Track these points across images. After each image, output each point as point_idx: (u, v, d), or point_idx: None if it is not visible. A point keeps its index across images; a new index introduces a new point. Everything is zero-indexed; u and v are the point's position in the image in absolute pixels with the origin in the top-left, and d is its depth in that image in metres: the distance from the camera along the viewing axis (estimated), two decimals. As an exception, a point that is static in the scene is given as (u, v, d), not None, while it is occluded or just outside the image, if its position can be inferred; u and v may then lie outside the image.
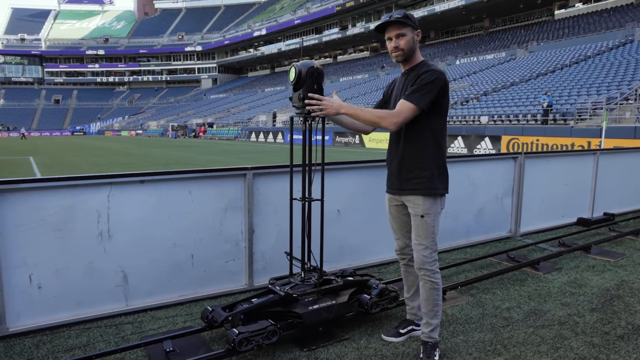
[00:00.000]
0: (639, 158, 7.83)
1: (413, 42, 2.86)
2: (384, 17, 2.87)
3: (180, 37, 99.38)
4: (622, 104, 20.82)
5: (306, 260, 3.34)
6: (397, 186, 2.98)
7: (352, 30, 65.54)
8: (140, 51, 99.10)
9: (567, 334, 3.32)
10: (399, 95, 2.90)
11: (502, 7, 49.29)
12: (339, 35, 67.83)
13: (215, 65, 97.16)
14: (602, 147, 14.76)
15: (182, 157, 21.34)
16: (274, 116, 50.32)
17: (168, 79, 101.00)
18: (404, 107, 2.74)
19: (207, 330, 3.16)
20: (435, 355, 2.88)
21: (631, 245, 5.75)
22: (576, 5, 45.67)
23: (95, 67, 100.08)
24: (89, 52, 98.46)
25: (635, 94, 20.99)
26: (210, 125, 57.38)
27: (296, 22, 73.57)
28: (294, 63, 3.07)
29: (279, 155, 22.26)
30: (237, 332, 2.80)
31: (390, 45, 2.87)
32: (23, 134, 60.21)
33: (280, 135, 40.81)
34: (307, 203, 3.24)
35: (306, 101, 2.84)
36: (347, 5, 63.16)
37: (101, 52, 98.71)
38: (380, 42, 69.20)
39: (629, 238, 6.05)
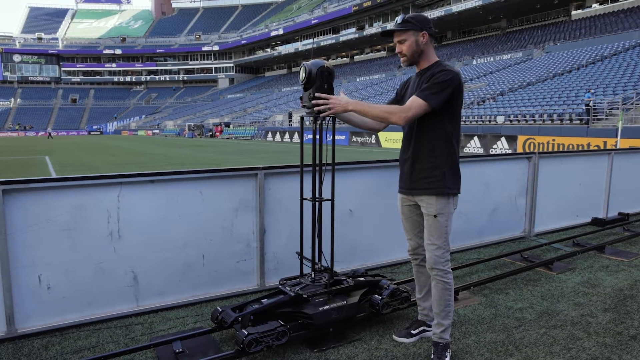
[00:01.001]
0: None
1: (416, 45, 2.84)
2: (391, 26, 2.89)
3: (197, 36, 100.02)
4: (637, 104, 20.55)
5: (317, 261, 3.34)
6: (410, 186, 2.97)
7: (369, 30, 65.36)
8: (158, 51, 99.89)
9: (580, 334, 3.29)
10: (408, 95, 2.90)
11: (519, 7, 48.88)
12: (356, 35, 67.72)
13: (232, 64, 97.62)
14: (617, 147, 14.57)
15: (198, 156, 21.49)
16: (290, 116, 50.37)
17: (185, 78, 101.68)
18: (414, 103, 2.73)
19: (217, 331, 3.17)
20: (446, 357, 2.86)
21: (647, 245, 5.66)
22: (593, 5, 45.27)
23: (113, 67, 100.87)
24: (106, 51, 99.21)
25: (651, 95, 20.72)
26: (227, 125, 57.64)
27: (313, 22, 73.58)
28: (304, 62, 3.08)
29: (295, 155, 22.28)
30: (247, 332, 2.80)
31: (397, 50, 2.90)
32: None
33: (296, 135, 40.86)
34: (317, 203, 3.23)
35: (313, 101, 2.85)
36: (364, 5, 63.00)
37: (118, 51, 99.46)
38: (396, 41, 68.75)
39: (644, 238, 5.96)
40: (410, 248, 3.20)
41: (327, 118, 3.15)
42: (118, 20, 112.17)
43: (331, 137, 3.17)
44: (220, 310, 3.11)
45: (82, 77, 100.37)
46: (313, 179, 3.24)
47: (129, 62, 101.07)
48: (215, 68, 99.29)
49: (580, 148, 17.90)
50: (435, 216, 2.85)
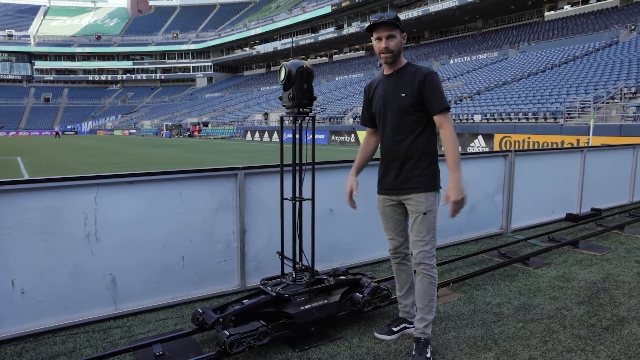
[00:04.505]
0: (623, 155, 7.95)
1: (400, 45, 2.90)
2: (374, 17, 2.88)
3: (174, 35, 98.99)
4: (608, 102, 21.11)
5: (298, 260, 3.35)
6: (397, 186, 2.98)
7: (347, 30, 65.59)
8: (134, 49, 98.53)
9: (556, 327, 3.37)
10: (390, 95, 2.93)
11: (494, 8, 49.66)
12: (335, 35, 67.87)
13: (210, 63, 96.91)
14: (590, 145, 14.93)
15: (177, 156, 21.29)
16: (265, 116, 50.30)
17: (162, 77, 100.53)
18: (447, 118, 2.86)
19: (197, 333, 3.14)
20: (427, 353, 2.89)
21: (616, 239, 5.83)
22: (565, 7, 46.44)
23: (87, 65, 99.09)
24: (81, 49, 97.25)
25: (621, 94, 21.32)
26: (205, 124, 57.21)
27: (292, 21, 73.49)
28: (283, 63, 3.08)
29: (274, 154, 22.25)
30: (228, 333, 2.79)
31: (379, 45, 2.88)
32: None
33: (276, 135, 40.79)
34: (298, 203, 3.24)
35: (453, 214, 2.84)
36: (343, 5, 63.17)
37: (93, 49, 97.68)
38: (374, 40, 69.12)
39: (614, 232, 6.14)
40: (391, 247, 3.22)
41: (307, 117, 3.17)
42: (93, 18, 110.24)
43: (311, 137, 3.17)
44: (201, 311, 3.09)
45: (55, 75, 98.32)
46: (293, 179, 3.25)
47: (105, 61, 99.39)
48: (193, 67, 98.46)
49: (554, 146, 18.24)
50: (425, 213, 2.90)
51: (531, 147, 19.07)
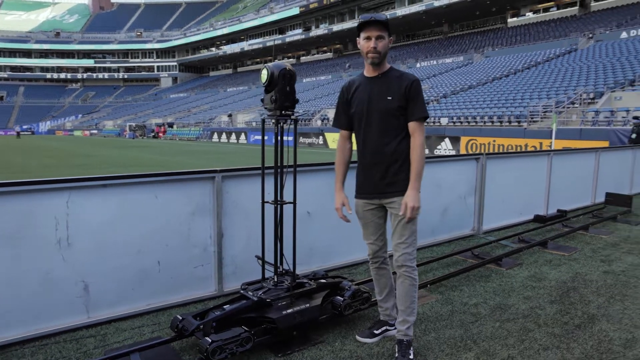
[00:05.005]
0: (586, 158, 8.22)
1: (388, 47, 2.91)
2: (364, 17, 2.86)
3: (138, 33, 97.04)
4: (569, 107, 21.83)
5: (278, 264, 3.31)
6: (380, 189, 2.98)
7: (315, 32, 65.75)
8: (95, 47, 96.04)
9: (531, 326, 3.45)
10: (376, 98, 2.93)
11: (459, 13, 50.74)
12: (303, 36, 67.90)
13: (175, 63, 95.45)
14: (552, 148, 15.36)
15: (142, 158, 20.86)
16: (229, 117, 49.99)
17: (125, 76, 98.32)
18: (421, 127, 2.90)
19: (176, 340, 3.06)
20: (410, 354, 2.90)
21: (582, 239, 6.02)
22: (527, 14, 47.87)
23: (45, 63, 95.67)
24: (38, 46, 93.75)
25: (580, 99, 22.08)
26: (171, 125, 56.27)
27: (259, 21, 73.15)
28: (265, 65, 3.05)
29: (243, 156, 22.09)
30: (210, 340, 2.73)
31: (368, 44, 2.86)
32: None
33: (243, 136, 40.48)
34: (279, 206, 3.21)
35: (405, 220, 2.88)
36: (311, 6, 63.29)
37: (52, 46, 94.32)
38: (342, 43, 69.64)
39: (580, 233, 6.33)
40: (370, 252, 3.21)
41: (289, 120, 3.15)
42: (51, 14, 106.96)
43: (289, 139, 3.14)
44: (181, 318, 3.01)
45: (10, 72, 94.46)
46: (275, 182, 3.21)
47: (64, 59, 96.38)
48: (158, 66, 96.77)
49: (518, 149, 18.71)
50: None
51: (496, 150, 19.51)
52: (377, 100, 2.92)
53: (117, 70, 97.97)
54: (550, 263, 5.00)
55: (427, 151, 22.87)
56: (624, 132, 16.18)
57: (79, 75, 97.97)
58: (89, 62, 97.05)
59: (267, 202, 3.26)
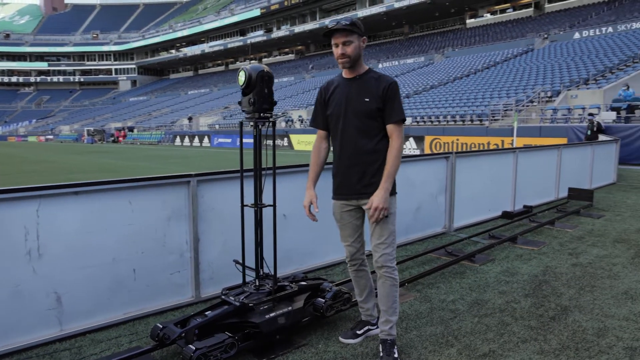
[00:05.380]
0: (549, 155, 8.47)
1: (359, 49, 2.90)
2: (331, 23, 2.88)
3: (94, 35, 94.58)
4: (528, 106, 22.50)
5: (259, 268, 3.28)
6: (358, 191, 2.97)
7: (277, 33, 65.64)
8: (49, 49, 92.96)
9: (508, 320, 3.53)
10: (353, 100, 2.92)
11: (419, 14, 51.63)
12: (264, 38, 67.63)
13: (134, 66, 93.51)
14: (514, 145, 15.79)
15: (104, 163, 20.32)
16: (190, 120, 49.40)
17: (82, 80, 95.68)
18: (399, 129, 2.91)
19: (157, 350, 2.98)
20: (394, 353, 2.92)
21: (549, 234, 6.20)
22: (485, 15, 49.07)
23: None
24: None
25: (539, 97, 22.78)
26: (131, 129, 55.05)
27: (220, 23, 72.48)
28: (243, 67, 3.01)
29: (208, 160, 21.80)
30: (194, 348, 2.68)
31: (337, 51, 2.89)
32: None
33: (206, 139, 39.98)
34: (260, 209, 3.18)
35: (372, 220, 2.88)
36: (272, 8, 63.13)
37: (1, 48, 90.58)
38: (304, 45, 69.74)
39: (547, 228, 6.52)
40: (348, 254, 3.21)
41: (267, 123, 3.12)
42: (0, 15, 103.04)
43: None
44: (161, 326, 2.94)
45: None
46: (256, 185, 3.17)
47: (15, 61, 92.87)
48: (116, 69, 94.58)
49: (481, 147, 19.13)
50: (386, 216, 2.91)
51: (460, 149, 19.88)
52: (355, 101, 2.93)
53: (73, 73, 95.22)
54: (521, 258, 5.13)
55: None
56: (580, 128, 16.78)
57: (32, 79, 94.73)
58: (42, 65, 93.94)
59: (247, 205, 3.22)
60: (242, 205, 3.23)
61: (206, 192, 3.91)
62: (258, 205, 3.17)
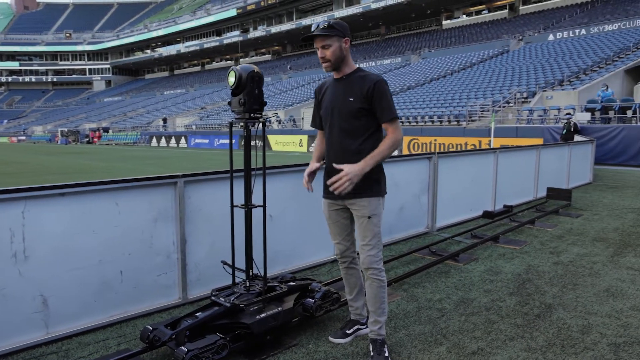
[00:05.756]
0: (528, 155, 8.64)
1: (340, 51, 2.90)
2: (310, 23, 2.89)
3: (67, 35, 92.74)
4: (504, 106, 22.83)
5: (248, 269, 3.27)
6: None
7: (253, 34, 65.35)
8: (20, 49, 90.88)
9: (495, 318, 3.58)
10: (339, 100, 2.94)
11: (396, 15, 52.05)
12: (241, 38, 67.28)
13: (108, 66, 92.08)
14: (492, 146, 16.03)
15: (80, 164, 19.96)
16: (164, 122, 48.96)
17: (55, 80, 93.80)
18: (395, 126, 2.89)
19: (147, 352, 2.96)
20: (385, 352, 2.94)
21: (530, 233, 6.31)
22: (461, 16, 49.70)
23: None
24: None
25: (515, 98, 23.15)
26: (106, 130, 54.21)
27: (196, 23, 71.86)
28: (233, 67, 3.00)
29: (185, 161, 21.61)
30: (186, 349, 2.65)
31: (319, 55, 2.92)
32: None
33: (183, 140, 39.60)
34: (249, 210, 3.17)
35: (332, 188, 2.80)
36: (249, 8, 62.87)
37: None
38: (281, 45, 69.62)
39: (527, 227, 6.64)
40: (338, 252, 3.23)
41: (257, 123, 3.11)
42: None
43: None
44: (152, 328, 2.91)
45: None
46: (246, 185, 3.16)
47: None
48: (90, 69, 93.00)
49: (459, 147, 19.35)
50: (369, 217, 2.93)
51: (438, 150, 20.09)
52: (340, 101, 2.94)
53: (46, 73, 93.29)
54: (503, 257, 5.21)
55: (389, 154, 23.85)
56: (555, 129, 17.11)
57: (3, 79, 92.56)
58: (13, 65, 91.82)
59: (237, 206, 3.21)
60: (232, 206, 3.22)
61: (193, 193, 3.89)
62: (248, 206, 3.16)
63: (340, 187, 2.76)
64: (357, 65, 3.04)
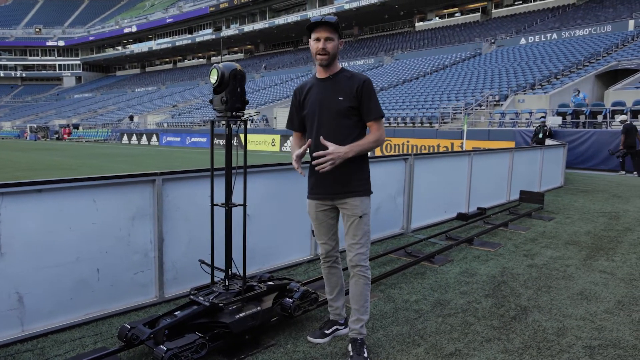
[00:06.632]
0: (501, 158, 8.81)
1: (337, 48, 2.94)
2: (315, 18, 2.89)
3: (37, 30, 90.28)
4: (476, 109, 23.16)
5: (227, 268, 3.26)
6: (335, 190, 3.00)
7: (226, 32, 64.79)
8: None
9: (471, 320, 3.63)
10: (327, 99, 2.96)
11: (369, 17, 52.33)
12: (213, 37, 66.67)
13: (79, 62, 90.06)
14: (464, 148, 16.25)
15: (51, 161, 19.48)
16: (131, 119, 48.29)
17: (24, 75, 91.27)
18: (379, 125, 2.95)
19: (124, 350, 2.92)
20: (364, 352, 2.96)
21: (504, 235, 6.41)
22: (433, 19, 50.26)
23: None
24: None
25: (487, 101, 23.53)
26: (76, 126, 53.05)
27: (168, 20, 70.96)
28: (215, 65, 2.99)
29: (156, 158, 21.32)
30: (165, 348, 2.63)
31: (317, 45, 2.90)
32: None
33: (154, 138, 39.05)
34: (230, 209, 3.16)
35: (314, 162, 2.81)
36: (221, 6, 62.36)
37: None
38: (254, 44, 69.28)
39: (501, 229, 6.75)
40: (323, 252, 3.24)
41: (238, 122, 3.11)
42: None
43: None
44: (130, 327, 2.87)
45: None
46: (227, 184, 3.15)
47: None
48: (60, 65, 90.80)
49: (431, 149, 19.58)
50: (361, 217, 2.96)
51: (410, 151, 20.29)
52: (329, 101, 2.96)
53: (14, 68, 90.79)
54: (478, 259, 5.29)
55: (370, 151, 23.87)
56: (527, 132, 17.45)
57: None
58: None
59: (217, 204, 3.19)
60: (212, 205, 3.21)
61: (171, 191, 3.86)
62: (229, 205, 3.15)
63: (321, 165, 2.80)
64: (341, 66, 3.06)
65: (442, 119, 22.85)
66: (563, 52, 29.05)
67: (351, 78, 2.96)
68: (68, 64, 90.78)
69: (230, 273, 3.29)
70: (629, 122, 15.18)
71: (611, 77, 23.41)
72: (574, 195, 10.13)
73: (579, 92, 19.55)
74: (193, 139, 34.83)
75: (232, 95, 2.97)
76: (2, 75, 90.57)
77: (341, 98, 2.92)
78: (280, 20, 57.74)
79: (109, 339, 3.20)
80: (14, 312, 3.11)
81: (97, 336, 3.25)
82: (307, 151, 3.10)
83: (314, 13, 52.65)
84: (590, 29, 32.35)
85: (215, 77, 2.95)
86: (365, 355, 2.96)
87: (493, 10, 46.62)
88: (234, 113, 3.02)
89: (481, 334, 3.39)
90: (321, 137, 2.89)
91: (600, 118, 18.08)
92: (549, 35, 34.27)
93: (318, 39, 2.89)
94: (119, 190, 3.58)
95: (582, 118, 18.49)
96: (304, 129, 3.13)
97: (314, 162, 2.85)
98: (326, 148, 2.87)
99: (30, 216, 3.13)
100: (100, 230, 3.47)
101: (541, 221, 7.36)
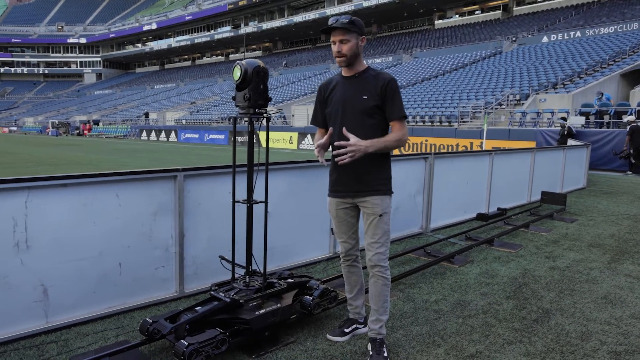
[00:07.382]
0: (523, 158, 8.67)
1: (357, 48, 2.92)
2: (331, 21, 2.89)
3: (59, 27, 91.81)
4: (497, 108, 22.87)
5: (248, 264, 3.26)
6: (357, 188, 2.99)
7: (244, 29, 65.08)
8: (13, 40, 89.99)
9: (492, 322, 3.57)
10: (352, 98, 2.94)
11: (388, 14, 52.02)
12: (232, 34, 67.03)
13: (99, 59, 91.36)
14: (483, 148, 16.06)
15: (72, 156, 19.79)
16: (146, 116, 48.78)
17: (46, 72, 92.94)
18: (402, 125, 2.92)
19: (145, 344, 2.95)
20: (384, 352, 2.94)
21: (525, 237, 6.32)
22: (453, 16, 49.74)
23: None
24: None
25: (507, 100, 23.21)
26: (96, 122, 53.85)
27: (187, 18, 71.50)
28: (238, 62, 3.00)
29: (174, 154, 21.50)
30: (187, 343, 2.65)
31: (334, 49, 2.91)
32: None
33: (173, 134, 39.41)
34: (251, 205, 3.16)
35: (334, 152, 2.79)
36: (240, 4, 62.63)
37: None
38: (272, 42, 69.46)
39: (522, 230, 6.65)
40: (343, 250, 3.23)
41: (261, 118, 3.11)
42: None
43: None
44: (151, 321, 2.90)
45: None
46: (249, 181, 3.16)
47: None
48: (81, 62, 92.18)
49: (450, 148, 19.42)
50: (381, 215, 2.94)
51: (429, 150, 20.15)
52: (353, 99, 2.95)
53: (37, 64, 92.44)
54: (499, 260, 5.22)
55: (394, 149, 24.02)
56: (549, 132, 17.14)
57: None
58: (6, 56, 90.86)
59: (238, 201, 3.20)
60: (234, 202, 3.21)
61: (193, 187, 3.88)
62: (250, 202, 3.16)
63: (341, 157, 2.76)
64: (367, 65, 3.04)
65: (462, 118, 22.64)
66: (587, 50, 28.46)
67: (376, 77, 2.95)
68: (89, 61, 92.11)
69: (250, 270, 3.30)
70: (635, 123, 14.90)
71: (637, 77, 22.89)
72: (597, 197, 9.93)
73: (602, 94, 19.16)
74: (211, 136, 35.06)
75: (254, 92, 2.97)
76: (25, 71, 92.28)
77: (365, 97, 2.91)
78: (298, 18, 57.76)
79: (130, 332, 3.23)
80: (39, 304, 3.16)
81: (119, 329, 3.28)
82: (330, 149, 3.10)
83: (333, 11, 52.55)
84: (615, 27, 31.68)
85: (239, 74, 2.95)
86: (385, 354, 2.94)
87: (514, 8, 46.01)
88: (256, 110, 3.02)
89: (502, 336, 3.34)
90: (344, 128, 2.87)
91: (625, 118, 17.71)
92: (572, 33, 33.65)
93: (334, 42, 2.89)
94: (142, 185, 3.61)
95: (606, 118, 18.10)
96: (327, 125, 3.11)
97: (334, 153, 2.83)
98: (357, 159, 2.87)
99: (55, 210, 3.18)
100: (123, 225, 3.50)
101: (563, 223, 7.24)
